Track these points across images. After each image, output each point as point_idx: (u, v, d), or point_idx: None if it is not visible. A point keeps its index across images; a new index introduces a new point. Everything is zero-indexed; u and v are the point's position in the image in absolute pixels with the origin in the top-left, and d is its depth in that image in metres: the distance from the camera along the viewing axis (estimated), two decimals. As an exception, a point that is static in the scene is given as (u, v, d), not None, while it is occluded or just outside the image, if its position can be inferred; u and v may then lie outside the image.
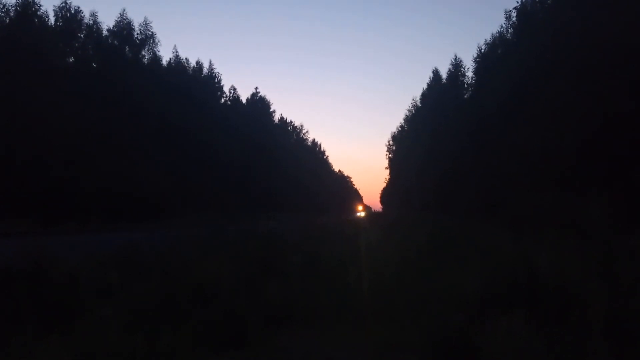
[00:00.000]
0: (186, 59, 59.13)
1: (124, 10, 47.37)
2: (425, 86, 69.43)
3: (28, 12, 36.75)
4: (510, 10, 39.66)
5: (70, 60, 41.99)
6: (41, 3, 37.99)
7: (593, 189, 17.83)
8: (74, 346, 4.75)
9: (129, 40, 47.05)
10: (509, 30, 41.07)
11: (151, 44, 49.39)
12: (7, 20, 36.15)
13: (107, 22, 53.83)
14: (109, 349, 4.71)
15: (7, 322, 5.42)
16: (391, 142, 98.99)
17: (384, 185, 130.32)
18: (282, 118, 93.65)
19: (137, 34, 47.95)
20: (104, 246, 11.59)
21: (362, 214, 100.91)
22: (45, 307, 5.94)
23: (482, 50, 46.01)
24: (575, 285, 6.06)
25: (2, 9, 35.65)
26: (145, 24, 48.51)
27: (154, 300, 6.56)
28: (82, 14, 42.42)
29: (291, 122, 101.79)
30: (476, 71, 47.63)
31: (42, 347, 4.74)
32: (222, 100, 66.83)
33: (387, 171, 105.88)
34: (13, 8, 36.25)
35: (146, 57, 49.52)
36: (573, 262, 7.08)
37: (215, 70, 64.19)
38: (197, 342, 5.36)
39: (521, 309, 5.49)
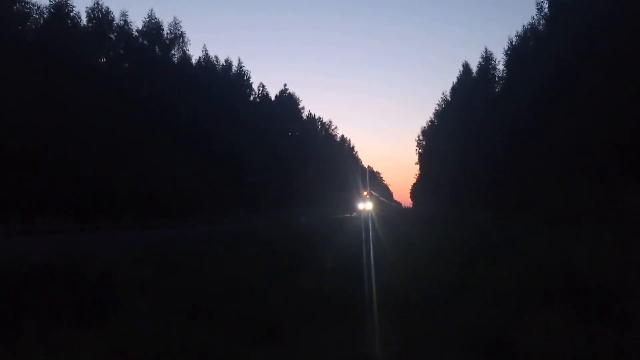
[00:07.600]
0: (215, 57, 59.49)
1: (152, 10, 47.90)
2: (455, 80, 68.81)
3: (61, 13, 37.43)
4: (542, 1, 39.03)
5: (102, 60, 42.65)
6: (73, 4, 38.75)
7: (631, 183, 17.42)
8: (111, 340, 4.81)
9: (158, 40, 47.53)
10: (541, 22, 40.32)
11: (180, 43, 49.92)
12: (41, 21, 36.93)
13: (136, 21, 54.29)
14: (145, 344, 4.76)
15: (46, 317, 5.51)
16: (421, 137, 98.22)
17: (414, 180, 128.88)
18: (310, 114, 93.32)
19: (167, 33, 48.50)
20: (137, 242, 11.74)
21: (367, 204, 61.55)
22: (82, 302, 6.03)
23: (513, 43, 45.23)
24: (615, 280, 5.91)
25: (36, 10, 36.45)
26: (175, 23, 49.11)
27: (187, 295, 6.62)
28: (113, 15, 43.00)
29: (319, 118, 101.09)
30: (507, 64, 46.87)
31: (80, 341, 4.82)
32: (251, 98, 67.10)
33: (417, 166, 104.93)
34: (47, 9, 37.03)
35: (176, 56, 50.07)
36: (611, 256, 6.91)
37: (244, 68, 64.45)
38: (231, 337, 5.38)
39: (559, 305, 5.38)
